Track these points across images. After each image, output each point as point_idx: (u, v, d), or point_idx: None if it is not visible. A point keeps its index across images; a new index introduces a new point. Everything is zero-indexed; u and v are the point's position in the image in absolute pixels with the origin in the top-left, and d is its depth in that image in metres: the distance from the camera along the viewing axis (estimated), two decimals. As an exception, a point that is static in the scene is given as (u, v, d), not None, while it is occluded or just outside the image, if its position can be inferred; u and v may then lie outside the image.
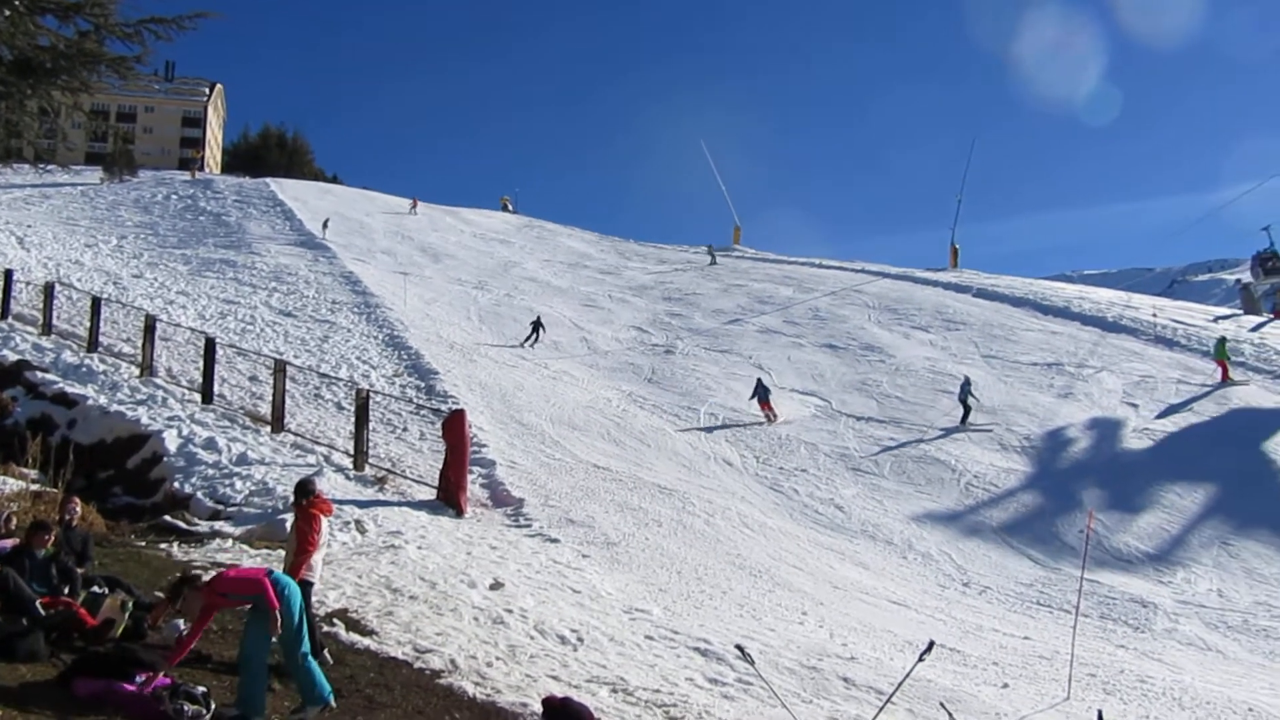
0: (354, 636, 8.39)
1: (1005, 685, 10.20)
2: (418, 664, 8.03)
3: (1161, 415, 23.68)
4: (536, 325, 29.30)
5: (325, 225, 42.26)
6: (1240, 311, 37.42)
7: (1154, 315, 32.47)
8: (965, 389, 23.71)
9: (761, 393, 23.63)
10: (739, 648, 7.54)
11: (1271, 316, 34.78)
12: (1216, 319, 33.59)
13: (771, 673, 9.04)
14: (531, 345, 28.57)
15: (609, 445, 20.37)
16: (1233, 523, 17.94)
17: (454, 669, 8.02)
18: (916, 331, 31.70)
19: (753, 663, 7.49)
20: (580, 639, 9.39)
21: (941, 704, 7.77)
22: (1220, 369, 25.60)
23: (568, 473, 17.84)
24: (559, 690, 7.59)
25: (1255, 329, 31.20)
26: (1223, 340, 26.74)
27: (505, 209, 61.97)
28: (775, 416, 23.35)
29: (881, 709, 7.54)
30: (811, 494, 19.29)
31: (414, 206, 51.25)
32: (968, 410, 23.35)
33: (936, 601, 14.60)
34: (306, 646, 6.45)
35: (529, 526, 14.28)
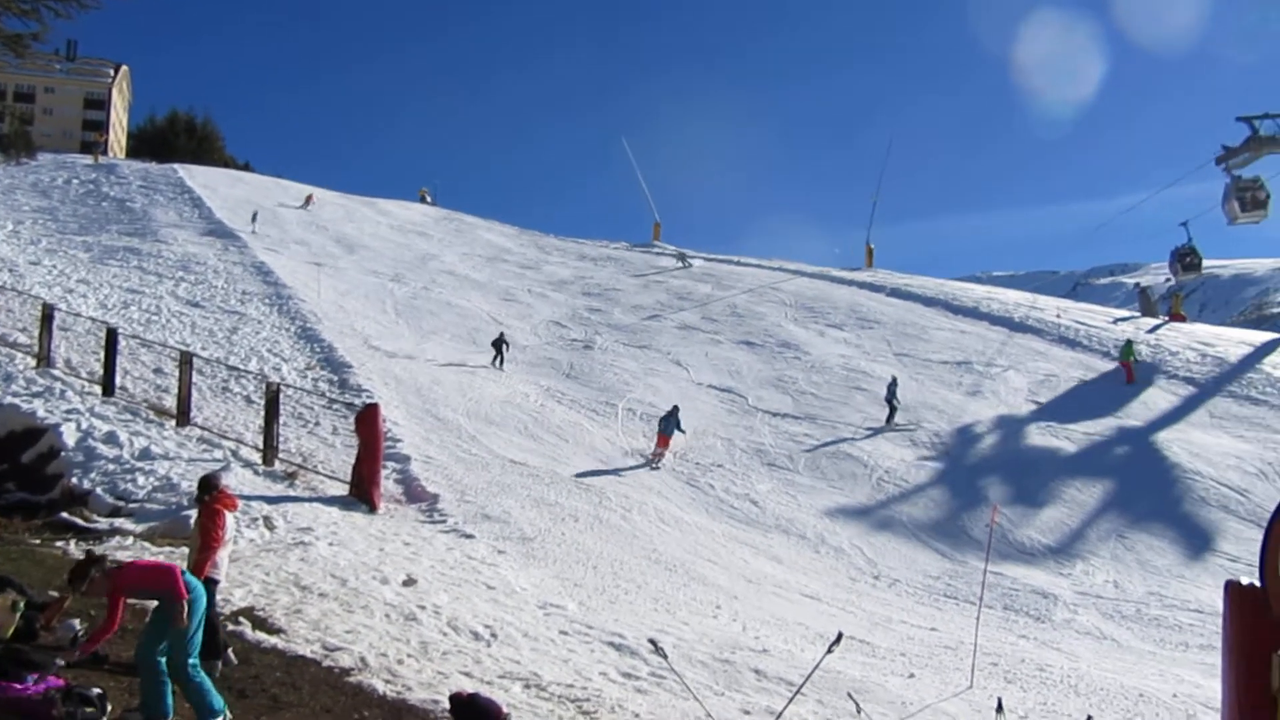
0: (260, 635, 8.19)
1: (912, 675, 10.44)
2: (326, 662, 7.88)
3: (1064, 413, 24.47)
4: (500, 344, 26.41)
5: (255, 218, 41.04)
6: (1138, 314, 38.86)
7: (1058, 316, 33.56)
8: (891, 389, 24.15)
9: (667, 425, 20.84)
10: (652, 642, 7.57)
11: (1167, 319, 36.21)
12: (1116, 321, 34.82)
13: (685, 666, 9.11)
14: (499, 366, 25.79)
15: (526, 440, 20.27)
16: (1128, 517, 18.65)
17: (364, 667, 7.89)
18: (832, 329, 32.21)
19: (666, 656, 7.53)
20: (494, 635, 9.32)
21: (849, 694, 7.91)
22: (1126, 370, 26.56)
23: (484, 468, 17.69)
24: (471, 687, 7.52)
25: (1152, 331, 32.44)
26: (1129, 343, 27.75)
27: (424, 201, 61.04)
28: (661, 455, 20.45)
29: (791, 700, 7.64)
30: (727, 489, 19.48)
31: (308, 201, 48.77)
32: (893, 410, 23.79)
33: (848, 594, 14.88)
34: (196, 658, 6.12)
35: (444, 522, 14.11)
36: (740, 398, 25.52)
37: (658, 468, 19.96)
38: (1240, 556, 16.37)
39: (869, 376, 27.14)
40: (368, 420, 14.85)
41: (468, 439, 19.32)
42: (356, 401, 18.65)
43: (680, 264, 42.96)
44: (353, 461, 14.98)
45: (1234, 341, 30.93)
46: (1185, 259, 39.67)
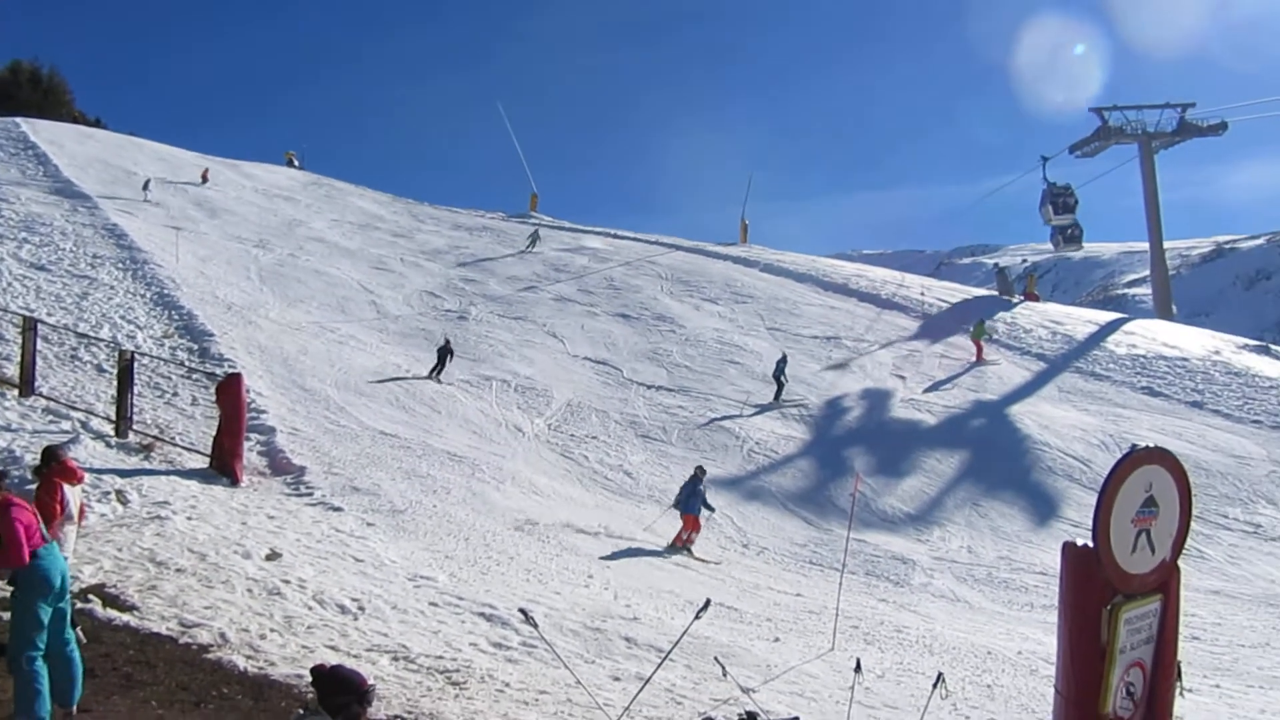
0: (112, 613, 7.86)
1: (777, 639, 10.75)
2: (184, 639, 7.62)
3: (925, 387, 25.45)
4: (444, 352, 23.37)
5: (147, 186, 38.66)
6: (996, 292, 40.60)
7: (922, 294, 34.80)
8: (780, 367, 24.56)
9: (691, 503, 15.61)
10: (523, 611, 7.56)
11: (1023, 298, 37.95)
12: (975, 299, 36.30)
13: (555, 635, 9.15)
14: (438, 377, 22.62)
15: (397, 412, 19.91)
16: (982, 485, 19.55)
17: (224, 643, 7.67)
18: (706, 303, 32.60)
19: (536, 626, 7.53)
20: (361, 608, 9.17)
21: (716, 658, 8.08)
22: (976, 348, 27.73)
23: (353, 440, 17.32)
24: (337, 660, 7.38)
25: (1008, 309, 33.95)
26: (981, 321, 28.95)
27: (291, 165, 58.78)
28: (691, 540, 15.52)
29: (659, 665, 7.77)
30: (601, 460, 19.58)
31: (204, 176, 46.06)
32: (781, 387, 24.23)
33: (718, 562, 15.17)
34: (42, 646, 5.72)
35: (310, 495, 13.77)
36: (615, 370, 25.64)
37: (690, 553, 15.27)
38: (1082, 522, 17.34)
39: (742, 350, 27.62)
40: (229, 390, 14.33)
41: (336, 410, 18.87)
42: (218, 371, 17.98)
43: (529, 245, 39.73)
44: (213, 433, 14.46)
45: (1082, 320, 32.65)
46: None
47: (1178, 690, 4.58)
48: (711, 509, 16.03)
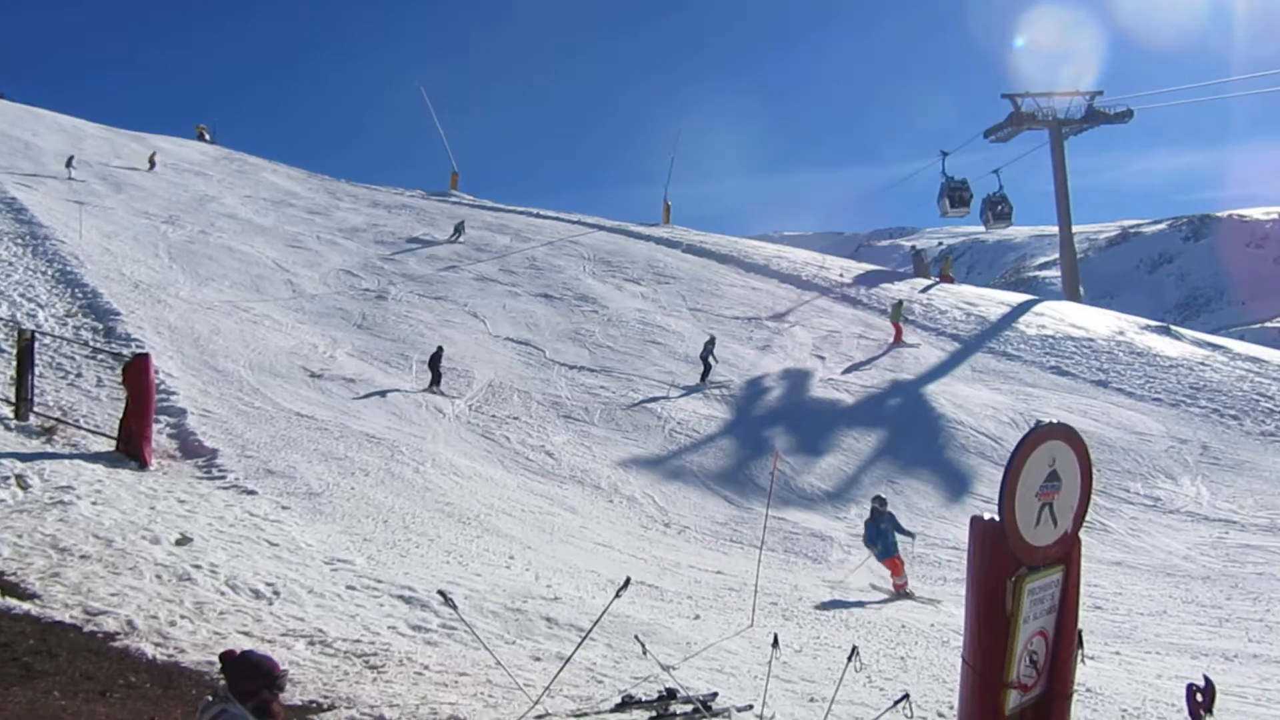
0: (10, 601, 7.58)
1: (697, 617, 10.86)
2: (88, 627, 7.39)
3: (844, 366, 25.87)
4: (436, 360, 21.83)
5: (70, 163, 36.96)
6: (913, 274, 41.37)
7: (841, 275, 35.31)
8: (708, 348, 24.67)
9: (887, 542, 13.53)
10: (442, 593, 7.51)
11: (938, 280, 38.77)
12: (893, 281, 36.98)
13: (476, 616, 9.10)
14: (437, 388, 21.38)
15: (314, 393, 19.54)
16: (898, 463, 19.97)
17: (131, 630, 7.45)
18: (629, 284, 32.61)
19: (456, 608, 7.49)
20: (276, 593, 9.00)
21: (636, 637, 8.14)
22: (895, 330, 28.26)
23: (268, 421, 16.95)
24: (250, 646, 7.24)
25: (924, 290, 34.67)
26: (899, 304, 29.49)
27: (202, 138, 56.99)
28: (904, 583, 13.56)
29: (580, 644, 7.79)
30: (523, 441, 19.50)
31: (152, 161, 43.67)
32: (708, 368, 24.35)
33: (639, 542, 15.26)
34: None
35: (223, 478, 13.45)
36: (538, 350, 25.52)
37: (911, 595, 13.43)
38: (993, 497, 17.51)
39: (665, 331, 27.73)
40: (136, 371, 13.88)
41: (250, 391, 18.44)
42: (124, 351, 17.39)
43: (454, 236, 37.74)
44: (120, 416, 14.00)
45: (995, 302, 33.48)
46: (996, 207, 42.34)
47: (1079, 657, 4.74)
48: (911, 535, 14.11)
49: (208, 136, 57.76)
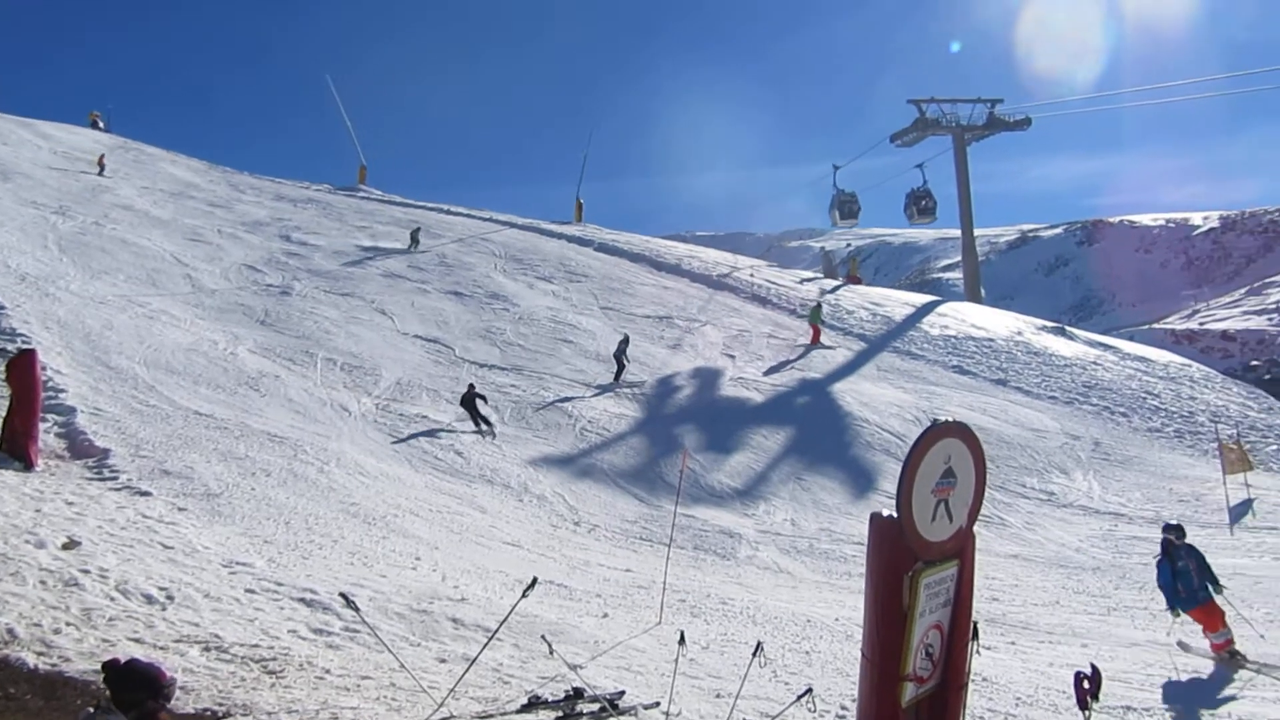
0: (-121, 611, 7.17)
1: (606, 615, 10.84)
2: (-36, 637, 7.03)
3: (754, 366, 26.15)
4: (471, 400, 19.98)
5: None
6: (821, 275, 42.07)
7: (751, 275, 35.69)
8: (622, 347, 24.62)
9: (1191, 586, 10.28)
10: (344, 596, 7.35)
11: (846, 280, 39.49)
12: (802, 281, 37.51)
13: (380, 619, 8.95)
14: (485, 428, 19.89)
15: (213, 391, 18.96)
16: (806, 460, 20.27)
17: (12, 639, 7.13)
18: (541, 282, 32.44)
19: (359, 610, 7.34)
20: (170, 597, 8.70)
21: (543, 636, 8.09)
22: (813, 332, 28.62)
23: (164, 420, 16.40)
24: (142, 653, 6.98)
25: (832, 291, 35.28)
26: (819, 306, 29.89)
27: (96, 126, 54.78)
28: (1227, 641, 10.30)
29: (486, 645, 7.71)
30: (431, 440, 19.23)
31: (101, 163, 41.05)
32: (621, 368, 24.30)
33: (549, 541, 15.18)
34: None
35: (115, 479, 12.97)
36: (447, 348, 25.21)
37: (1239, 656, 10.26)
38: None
39: (576, 329, 27.66)
40: (21, 368, 13.30)
41: (145, 389, 17.81)
42: (10, 347, 16.65)
43: (411, 245, 36.05)
44: (3, 415, 13.38)
45: (900, 302, 34.24)
46: (920, 201, 43.34)
47: (974, 649, 4.87)
48: (1218, 586, 10.27)
49: (102, 124, 55.55)
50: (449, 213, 43.35)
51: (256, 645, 7.89)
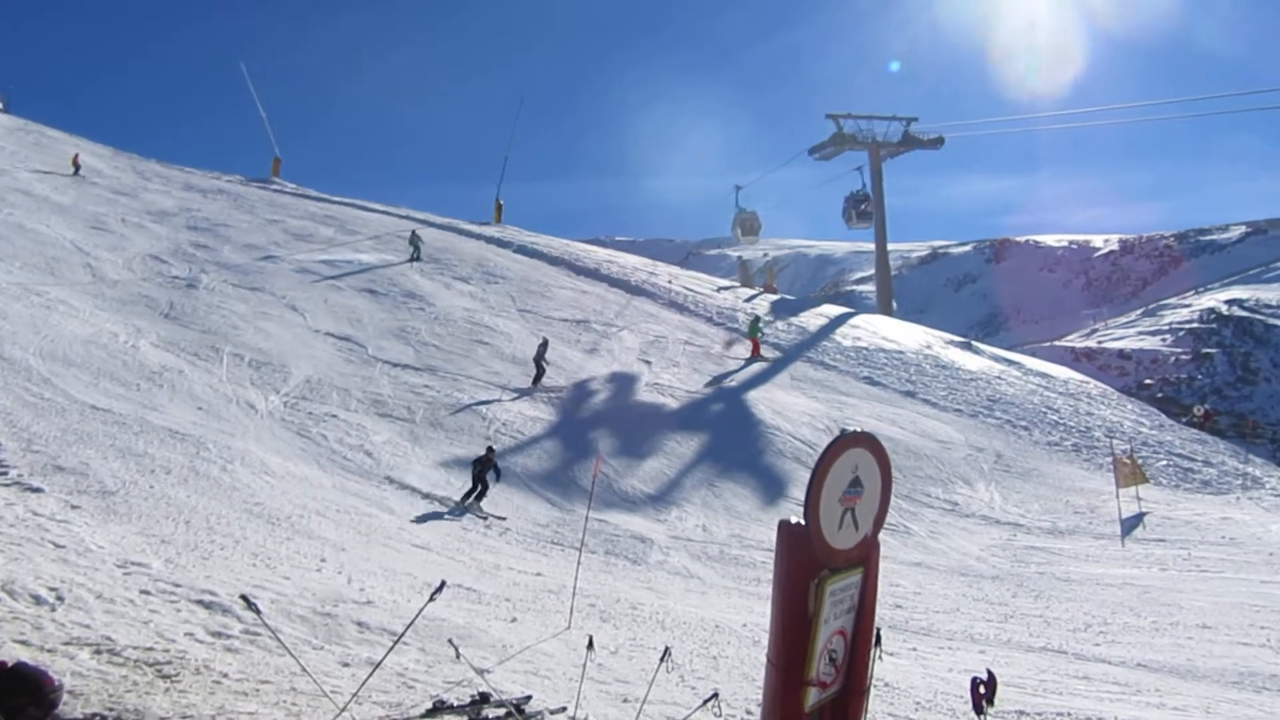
0: None
1: (515, 619, 10.77)
2: None
3: (669, 372, 26.29)
4: (485, 470, 17.23)
5: None
6: (738, 284, 42.55)
7: (670, 282, 35.91)
8: (541, 351, 24.46)
9: None
10: (245, 597, 7.15)
11: (762, 290, 40.00)
12: (719, 289, 37.87)
13: (282, 621, 8.73)
14: (472, 503, 16.98)
15: (113, 385, 18.32)
16: (719, 467, 20.46)
17: (-115, 641, 6.76)
18: (458, 282, 32.13)
19: (260, 612, 7.14)
20: (60, 598, 8.35)
21: (450, 641, 7.99)
22: (753, 345, 28.82)
23: (59, 414, 15.78)
24: (28, 656, 6.70)
25: (749, 300, 35.70)
26: (757, 319, 30.16)
27: (-6, 107, 52.55)
28: None
29: (391, 649, 7.59)
30: (341, 440, 18.88)
31: (75, 163, 38.76)
32: (541, 371, 24.14)
33: (459, 544, 15.02)
34: None
35: (4, 474, 12.40)
36: (360, 347, 24.78)
37: None
38: (806, 502, 18.51)
39: (493, 331, 27.46)
40: (-95, 356, 12.65)
41: (40, 382, 17.13)
42: (-108, 334, 15.85)
43: (413, 254, 33.92)
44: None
45: (814, 314, 34.82)
46: (860, 205, 44.28)
47: (877, 655, 4.96)
48: None
49: (0, 105, 53.32)
50: (366, 209, 42.67)
51: (151, 648, 7.62)
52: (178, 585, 9.39)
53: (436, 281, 31.71)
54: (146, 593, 9.05)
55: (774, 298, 38.15)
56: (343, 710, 6.73)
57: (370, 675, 7.22)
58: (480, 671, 7.81)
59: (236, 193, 42.10)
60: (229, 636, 8.30)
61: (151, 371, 19.71)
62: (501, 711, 7.13)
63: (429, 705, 7.18)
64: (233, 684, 7.19)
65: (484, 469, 17.21)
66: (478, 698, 7.30)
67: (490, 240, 38.72)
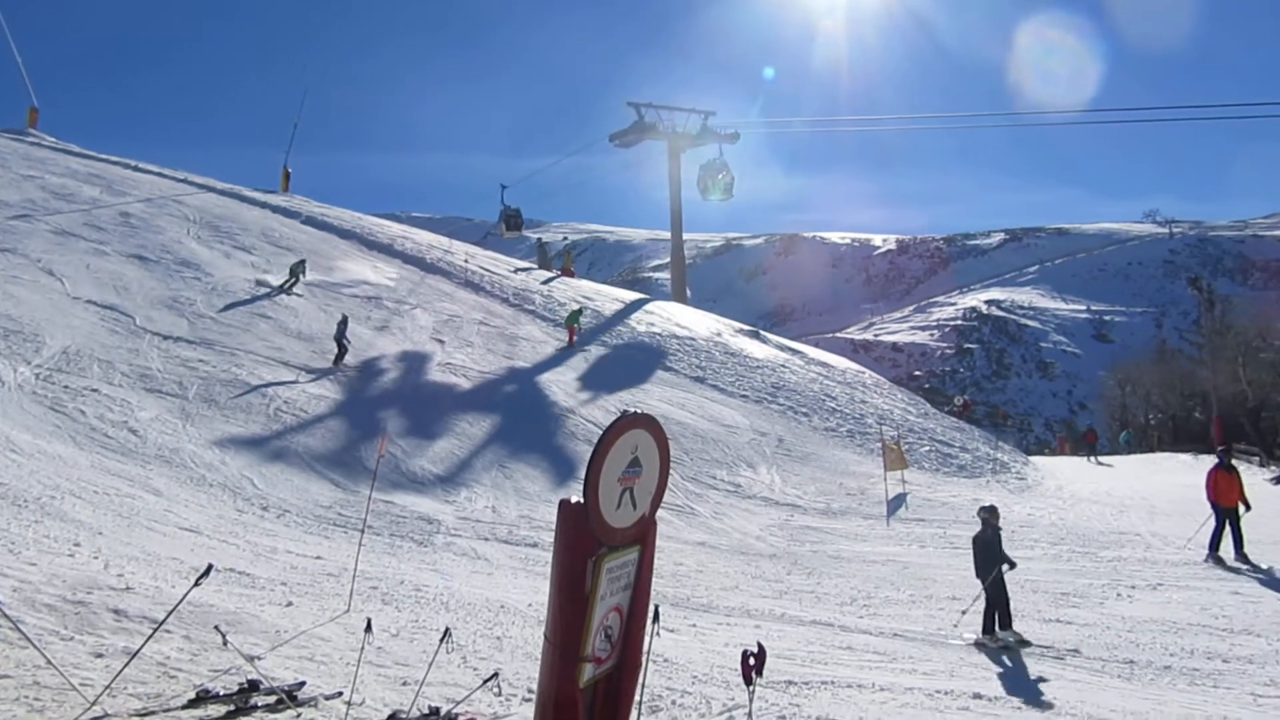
0: None
1: (290, 604, 10.35)
2: None
3: (463, 352, 25.96)
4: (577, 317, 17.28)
5: None
6: (535, 266, 42.49)
7: (466, 261, 35.42)
8: (341, 329, 23.49)
9: None
10: (-20, 586, 6.53)
11: (559, 273, 40.10)
12: (516, 270, 37.66)
13: (25, 611, 8.03)
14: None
15: None
16: (510, 448, 20.39)
17: None
18: (239, 251, 30.49)
19: (-2, 601, 6.55)
20: None
21: (217, 627, 7.59)
22: (570, 333, 28.64)
23: None
24: None
25: (546, 282, 35.71)
26: (579, 310, 30.01)
27: None
28: None
29: (150, 638, 7.13)
30: (102, 416, 17.54)
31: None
32: (343, 350, 23.17)
33: (233, 526, 14.28)
34: None
35: None
36: (127, 317, 23.07)
37: None
38: (596, 483, 18.76)
39: (276, 305, 26.23)
40: None
41: None
42: None
43: (290, 281, 28.41)
44: None
45: (610, 298, 35.25)
46: (718, 175, 44.79)
47: (655, 631, 5.10)
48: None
49: None
50: (137, 169, 39.76)
51: None
52: (-100, 574, 8.48)
53: (215, 250, 29.96)
54: None
55: (571, 280, 38.34)
56: (93, 704, 6.27)
57: (126, 665, 6.76)
58: (250, 659, 7.46)
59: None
60: (-39, 629, 7.56)
61: (-124, 337, 17.66)
62: (272, 699, 6.85)
63: (191, 695, 6.80)
64: (-37, 680, 6.55)
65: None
66: (246, 685, 6.97)
67: (276, 209, 36.95)
